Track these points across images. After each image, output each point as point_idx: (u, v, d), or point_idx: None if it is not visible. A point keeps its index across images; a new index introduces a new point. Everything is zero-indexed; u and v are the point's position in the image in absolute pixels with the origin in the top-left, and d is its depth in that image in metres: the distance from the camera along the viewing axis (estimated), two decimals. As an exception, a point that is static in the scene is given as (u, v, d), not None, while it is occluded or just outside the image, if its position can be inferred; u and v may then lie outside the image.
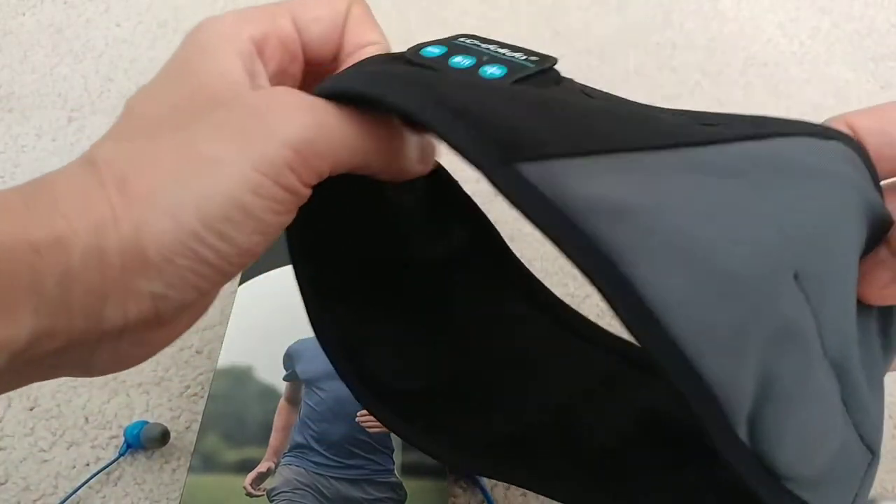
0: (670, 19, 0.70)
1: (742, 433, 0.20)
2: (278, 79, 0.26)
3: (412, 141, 0.26)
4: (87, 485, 0.38)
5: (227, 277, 0.23)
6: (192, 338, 0.44)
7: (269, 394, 0.40)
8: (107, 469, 0.39)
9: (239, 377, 0.40)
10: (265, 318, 0.43)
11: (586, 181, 0.20)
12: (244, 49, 0.25)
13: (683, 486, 0.30)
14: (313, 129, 0.22)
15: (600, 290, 0.19)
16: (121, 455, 0.39)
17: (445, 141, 0.20)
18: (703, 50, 0.67)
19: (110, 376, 0.42)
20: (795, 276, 0.20)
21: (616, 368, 0.34)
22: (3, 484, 0.38)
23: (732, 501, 0.28)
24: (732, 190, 0.21)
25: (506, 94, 0.23)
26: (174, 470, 0.39)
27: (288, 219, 0.23)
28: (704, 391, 0.19)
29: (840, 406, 0.23)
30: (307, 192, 0.23)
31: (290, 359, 0.41)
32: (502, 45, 0.26)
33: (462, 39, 0.26)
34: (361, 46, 0.28)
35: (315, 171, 0.22)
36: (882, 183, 0.25)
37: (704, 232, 0.20)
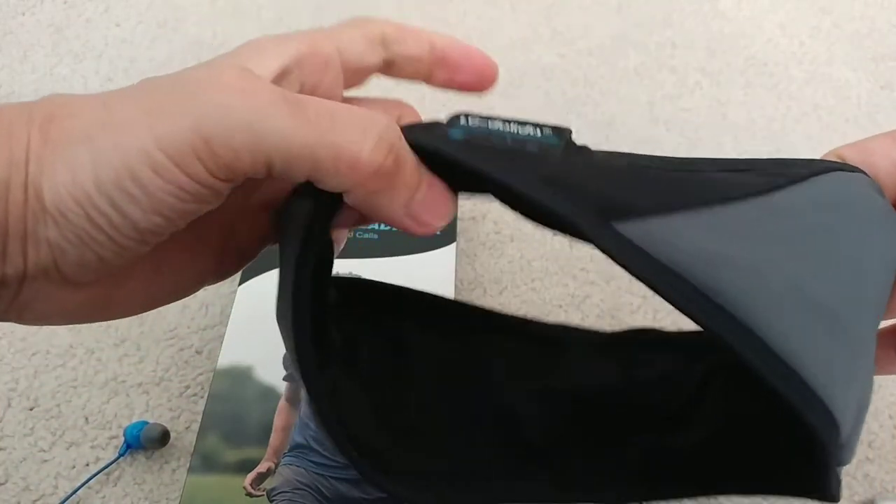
0: (670, 19, 0.70)
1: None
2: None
3: (404, 180, 0.22)
4: (86, 485, 0.38)
5: (129, 252, 0.21)
6: (191, 338, 0.44)
7: (269, 394, 0.40)
8: (107, 469, 0.39)
9: (239, 377, 0.40)
10: (265, 318, 0.43)
11: (682, 236, 0.21)
12: (282, 59, 0.23)
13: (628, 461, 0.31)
14: (234, 116, 0.20)
15: (723, 339, 0.20)
16: (121, 455, 0.39)
17: (545, 209, 0.21)
18: (703, 50, 0.67)
19: (110, 376, 0.42)
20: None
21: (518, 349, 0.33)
22: (2, 484, 0.38)
23: (685, 470, 0.30)
24: (809, 230, 0.23)
25: (571, 166, 0.24)
26: (174, 470, 0.39)
27: (199, 207, 0.21)
28: (832, 420, 0.21)
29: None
30: (226, 188, 0.21)
31: (290, 359, 0.41)
32: (507, 119, 0.25)
33: (465, 121, 0.25)
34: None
35: (227, 165, 0.20)
36: None
37: (803, 273, 0.22)
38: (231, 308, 0.43)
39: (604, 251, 0.21)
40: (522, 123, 0.25)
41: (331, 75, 0.24)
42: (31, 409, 0.41)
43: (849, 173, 0.26)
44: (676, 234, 0.21)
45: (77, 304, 0.23)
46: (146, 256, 0.22)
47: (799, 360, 0.21)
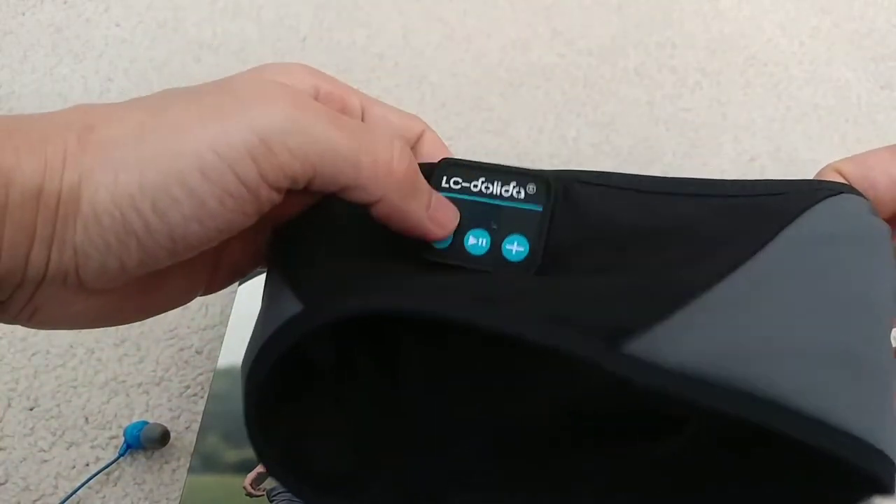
0: (670, 19, 0.70)
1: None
2: None
3: (422, 185, 0.24)
4: (86, 485, 0.38)
5: (153, 262, 0.21)
6: (191, 338, 0.44)
7: (269, 394, 0.40)
8: (107, 469, 0.39)
9: (239, 377, 0.40)
10: (265, 318, 0.43)
11: (686, 337, 0.21)
12: (305, 87, 0.24)
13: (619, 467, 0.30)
14: (290, 121, 0.21)
15: (755, 422, 0.20)
16: (121, 455, 0.39)
17: (551, 348, 0.21)
18: (703, 50, 0.67)
19: (110, 376, 0.42)
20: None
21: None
22: (2, 484, 0.38)
23: (677, 477, 0.29)
24: (808, 277, 0.23)
25: (564, 285, 0.23)
26: (174, 470, 0.39)
27: (240, 220, 0.21)
28: (890, 463, 0.21)
29: None
30: (269, 197, 0.21)
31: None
32: (489, 175, 0.25)
33: (447, 181, 0.25)
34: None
35: (281, 167, 0.21)
36: None
37: (813, 326, 0.22)
38: (231, 308, 0.43)
39: (616, 377, 0.21)
40: (506, 180, 0.25)
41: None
42: (31, 410, 0.41)
43: (843, 196, 0.25)
44: (682, 335, 0.21)
45: (85, 311, 0.23)
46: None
47: (837, 416, 0.21)
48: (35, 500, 0.38)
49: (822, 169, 0.28)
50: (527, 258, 0.24)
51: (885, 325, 0.23)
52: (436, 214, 0.24)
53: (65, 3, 0.67)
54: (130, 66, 0.61)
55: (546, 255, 0.24)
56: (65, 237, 0.20)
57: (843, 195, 0.25)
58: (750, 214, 0.24)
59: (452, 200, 0.25)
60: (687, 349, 0.21)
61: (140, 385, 0.42)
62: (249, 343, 0.25)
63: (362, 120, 0.26)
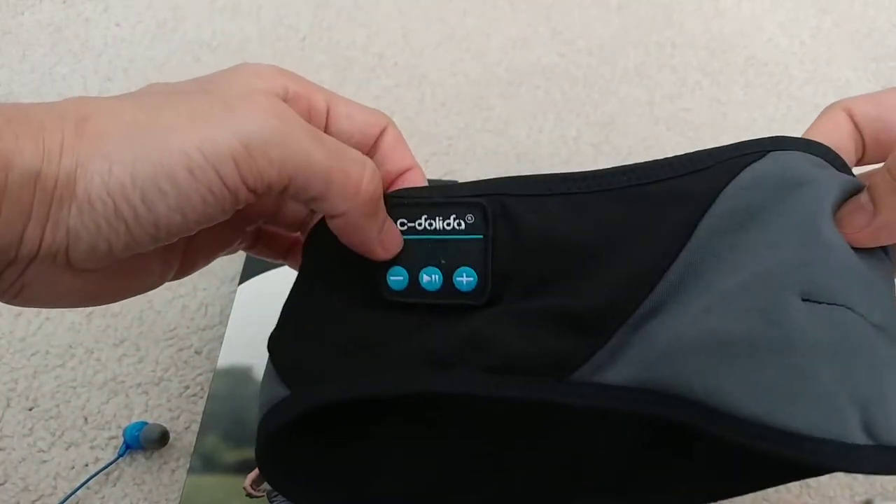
0: (670, 19, 0.69)
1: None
2: None
3: (382, 209, 0.27)
4: (86, 485, 0.38)
5: (138, 246, 0.23)
6: (191, 338, 0.44)
7: (268, 394, 0.40)
8: (106, 470, 0.39)
9: (239, 377, 0.40)
10: (265, 318, 0.43)
11: (623, 356, 0.24)
12: (276, 89, 0.26)
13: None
14: (272, 132, 0.23)
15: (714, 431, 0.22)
16: (120, 456, 0.39)
17: (504, 399, 0.24)
18: (704, 50, 0.67)
19: (109, 376, 0.42)
20: (805, 299, 0.22)
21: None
22: (2, 484, 0.38)
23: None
24: (714, 277, 0.24)
25: (508, 322, 0.25)
26: (173, 471, 0.39)
27: (217, 214, 0.24)
28: (801, 439, 0.21)
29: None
30: (246, 197, 0.23)
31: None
32: (430, 212, 0.27)
33: (398, 219, 0.28)
34: (401, 173, 0.29)
35: (259, 173, 0.23)
36: (874, 166, 0.26)
37: (715, 324, 0.23)
38: (231, 308, 0.43)
39: (568, 406, 0.24)
40: (445, 214, 0.27)
41: (314, 122, 0.27)
42: (30, 410, 0.41)
43: (768, 158, 0.25)
44: (616, 357, 0.24)
45: (69, 291, 0.24)
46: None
47: (741, 405, 0.21)
48: (34, 501, 0.38)
49: (831, 106, 0.27)
50: (476, 287, 0.26)
51: (787, 298, 0.22)
52: (384, 237, 0.27)
53: (64, 2, 0.67)
54: (130, 65, 0.61)
55: (494, 279, 0.26)
56: (59, 218, 0.21)
57: (768, 155, 0.25)
58: (674, 203, 0.25)
59: (404, 241, 0.28)
60: (625, 368, 0.23)
61: (139, 385, 0.42)
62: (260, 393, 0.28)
63: (327, 117, 0.28)
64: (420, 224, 0.27)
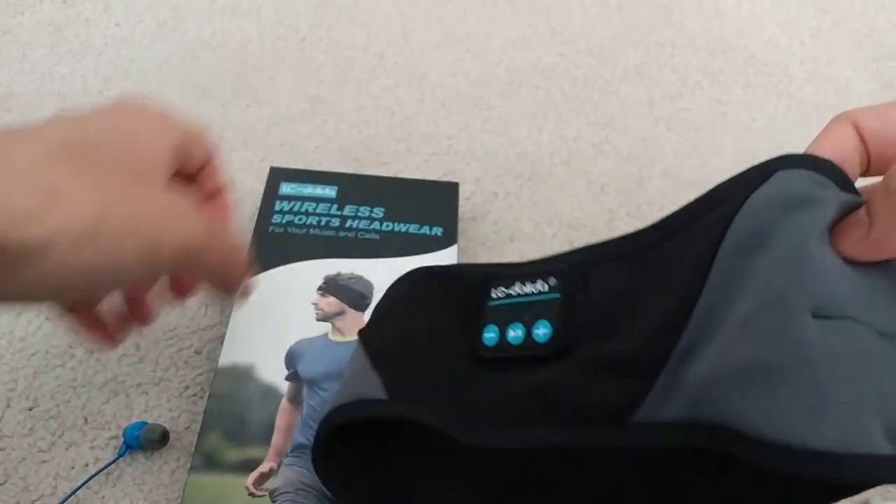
0: (670, 19, 0.70)
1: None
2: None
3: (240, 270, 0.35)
4: (86, 485, 0.38)
5: (75, 298, 0.32)
6: (191, 338, 0.44)
7: (270, 393, 0.40)
8: (106, 470, 0.39)
9: (240, 376, 0.40)
10: (265, 318, 0.43)
11: (672, 393, 0.25)
12: (168, 141, 0.31)
13: None
14: (198, 247, 0.30)
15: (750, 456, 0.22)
16: (120, 456, 0.39)
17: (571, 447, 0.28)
18: (704, 50, 0.67)
19: (109, 376, 0.42)
20: (815, 315, 0.23)
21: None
22: (2, 484, 0.38)
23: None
24: (735, 307, 0.24)
25: (574, 370, 0.28)
26: (173, 471, 0.39)
27: (143, 284, 0.34)
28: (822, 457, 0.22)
29: None
30: (164, 274, 0.33)
31: (291, 359, 0.41)
32: (523, 279, 0.32)
33: (495, 292, 0.33)
34: (215, 192, 0.36)
35: (181, 267, 0.31)
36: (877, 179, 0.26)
37: (735, 354, 0.24)
38: (231, 308, 0.43)
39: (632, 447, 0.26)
40: (533, 279, 0.32)
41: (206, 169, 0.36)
42: (30, 410, 0.41)
43: (767, 185, 0.26)
44: (666, 395, 0.25)
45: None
46: None
47: (766, 430, 0.22)
48: (34, 501, 0.38)
49: (838, 117, 0.27)
50: (551, 338, 0.30)
51: (798, 317, 0.23)
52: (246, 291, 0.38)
53: (64, 2, 0.67)
54: (130, 65, 0.61)
55: (566, 332, 0.30)
56: (14, 276, 0.25)
57: (774, 175, 0.26)
58: (696, 241, 0.27)
59: (500, 306, 0.32)
60: (675, 404, 0.25)
61: (139, 385, 0.42)
62: (335, 394, 0.34)
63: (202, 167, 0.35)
64: (514, 290, 0.32)
